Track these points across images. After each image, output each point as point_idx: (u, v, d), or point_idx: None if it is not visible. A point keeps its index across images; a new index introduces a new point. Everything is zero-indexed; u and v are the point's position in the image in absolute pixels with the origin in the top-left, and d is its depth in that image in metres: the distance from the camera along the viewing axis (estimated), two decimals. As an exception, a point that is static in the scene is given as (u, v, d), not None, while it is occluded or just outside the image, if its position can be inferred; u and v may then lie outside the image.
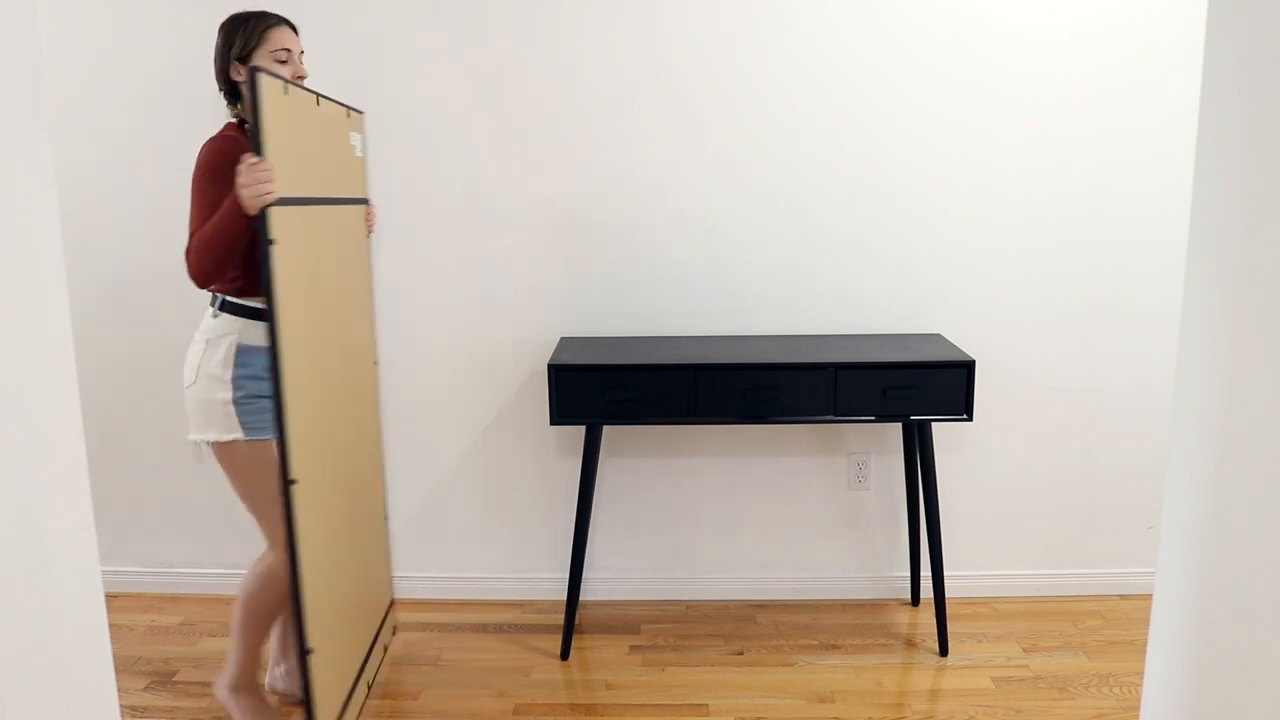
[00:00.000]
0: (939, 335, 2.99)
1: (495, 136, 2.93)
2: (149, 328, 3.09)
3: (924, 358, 2.70)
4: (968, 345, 3.00)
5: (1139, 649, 2.80)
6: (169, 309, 3.06)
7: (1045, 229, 2.96)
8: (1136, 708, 2.52)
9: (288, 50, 2.25)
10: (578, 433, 3.08)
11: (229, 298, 2.23)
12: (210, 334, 2.24)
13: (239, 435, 2.25)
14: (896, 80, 2.89)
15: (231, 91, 2.26)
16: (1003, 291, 3.00)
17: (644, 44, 2.89)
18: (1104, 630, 2.95)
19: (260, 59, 2.22)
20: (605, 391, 2.68)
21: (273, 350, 1.98)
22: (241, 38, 2.22)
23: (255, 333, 2.24)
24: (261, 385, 2.24)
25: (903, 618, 3.05)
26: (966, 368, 2.67)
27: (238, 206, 2.02)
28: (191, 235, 2.13)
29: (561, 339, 3.00)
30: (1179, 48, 2.84)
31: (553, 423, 2.73)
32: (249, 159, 1.99)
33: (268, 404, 2.25)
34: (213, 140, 2.18)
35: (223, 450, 2.27)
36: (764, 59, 2.89)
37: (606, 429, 3.06)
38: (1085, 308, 3.00)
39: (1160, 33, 2.85)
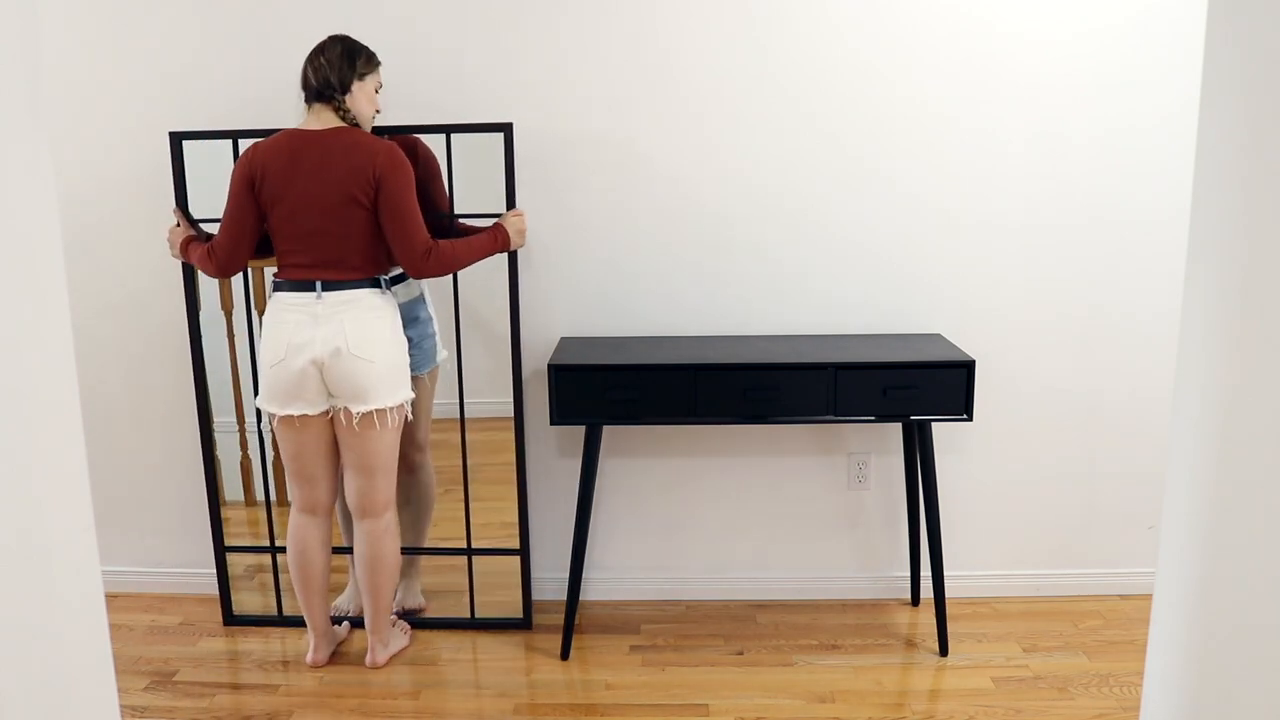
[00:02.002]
0: (939, 335, 2.99)
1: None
2: (150, 327, 3.09)
3: (924, 358, 2.70)
4: (968, 345, 3.00)
5: (1139, 649, 2.80)
6: (170, 308, 3.06)
7: (1045, 229, 2.96)
8: (1136, 708, 2.52)
9: (381, 86, 2.67)
10: (578, 432, 3.08)
11: (385, 276, 2.62)
12: (385, 308, 2.60)
13: (411, 393, 2.68)
14: (896, 81, 2.89)
15: (342, 89, 2.55)
16: (1003, 292, 3.00)
17: (643, 44, 2.89)
18: (1104, 630, 2.95)
19: (367, 85, 2.60)
20: (605, 391, 2.68)
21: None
22: (363, 58, 2.59)
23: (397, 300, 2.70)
24: (407, 343, 2.68)
25: (903, 618, 3.05)
26: (966, 368, 2.67)
27: (502, 243, 2.71)
28: (415, 227, 2.54)
29: (561, 339, 3.00)
30: (1179, 48, 2.84)
31: (553, 423, 2.73)
32: (518, 211, 2.76)
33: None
34: (389, 146, 2.55)
35: (401, 410, 2.62)
36: (764, 59, 2.89)
37: (606, 429, 3.06)
38: (1085, 308, 3.00)
39: (1160, 33, 2.85)
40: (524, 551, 3.01)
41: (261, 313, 2.97)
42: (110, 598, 3.13)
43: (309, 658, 2.79)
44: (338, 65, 2.55)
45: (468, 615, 3.02)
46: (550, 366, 2.69)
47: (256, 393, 2.75)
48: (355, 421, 2.57)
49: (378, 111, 2.66)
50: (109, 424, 3.14)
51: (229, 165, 2.68)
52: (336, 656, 2.83)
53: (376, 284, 2.59)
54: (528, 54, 2.89)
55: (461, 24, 2.88)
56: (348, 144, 2.52)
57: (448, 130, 2.79)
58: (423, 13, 2.88)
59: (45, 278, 1.28)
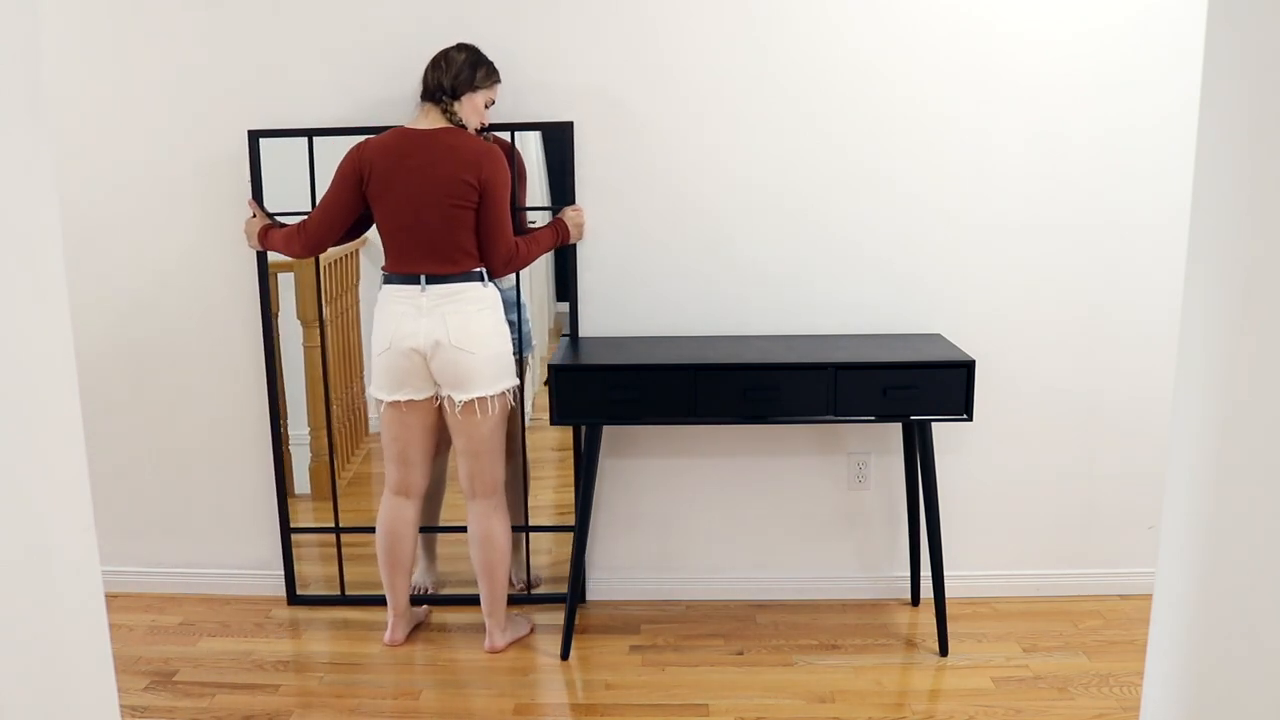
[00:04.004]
0: (939, 335, 2.99)
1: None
2: (150, 327, 3.09)
3: (924, 358, 2.70)
4: (968, 345, 3.00)
5: (1139, 649, 2.80)
6: (170, 308, 3.06)
7: (1045, 229, 2.96)
8: (1136, 708, 2.52)
9: (494, 102, 2.75)
10: (578, 433, 3.07)
11: (487, 270, 2.70)
12: (487, 301, 2.69)
13: (516, 380, 2.78)
14: (896, 81, 2.89)
15: (452, 94, 2.64)
16: (1003, 292, 3.00)
17: (643, 44, 2.89)
18: (1104, 630, 2.95)
19: (478, 98, 2.67)
20: (605, 391, 2.68)
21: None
22: (483, 72, 2.68)
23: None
24: (509, 332, 2.78)
25: (903, 618, 3.05)
26: (966, 368, 2.67)
27: (563, 236, 2.85)
28: (507, 234, 2.66)
29: (562, 339, 3.00)
30: (1179, 48, 2.84)
31: (553, 423, 2.73)
32: (577, 207, 2.91)
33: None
34: (492, 151, 2.64)
35: (504, 398, 2.72)
36: (764, 59, 2.89)
37: (606, 429, 3.06)
38: (1085, 308, 3.00)
39: (1160, 33, 2.85)
40: (580, 529, 3.01)
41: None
42: (110, 598, 3.13)
43: (387, 636, 2.90)
44: (457, 71, 2.64)
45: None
46: (550, 366, 2.69)
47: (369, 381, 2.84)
48: (458, 410, 2.68)
49: (483, 125, 2.72)
50: (109, 424, 3.14)
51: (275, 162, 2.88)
52: (414, 635, 2.95)
53: (480, 277, 2.67)
54: (524, 54, 2.89)
55: (459, 24, 2.88)
56: (453, 144, 2.62)
57: (512, 129, 2.88)
58: (424, 13, 2.88)
59: (45, 278, 1.28)
